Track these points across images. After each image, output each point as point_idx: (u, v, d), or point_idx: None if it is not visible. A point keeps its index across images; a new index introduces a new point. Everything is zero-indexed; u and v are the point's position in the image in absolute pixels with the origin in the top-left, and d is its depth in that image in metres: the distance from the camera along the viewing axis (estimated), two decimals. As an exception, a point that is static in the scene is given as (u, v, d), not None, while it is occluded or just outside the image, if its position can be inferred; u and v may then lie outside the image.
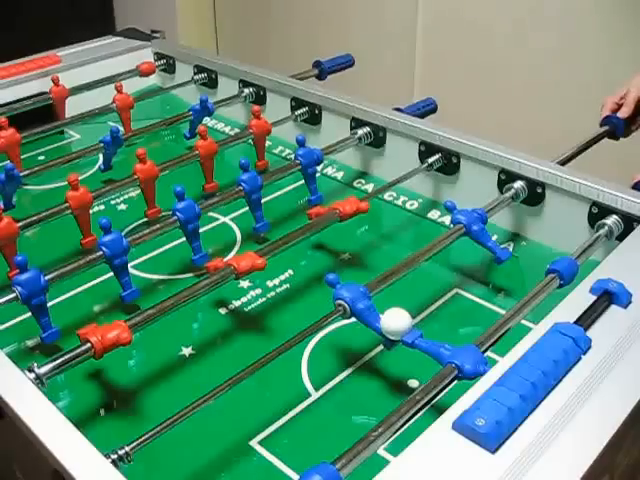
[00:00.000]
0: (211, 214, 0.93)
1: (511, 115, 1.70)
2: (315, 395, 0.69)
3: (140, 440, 0.56)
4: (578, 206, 0.85)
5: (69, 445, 0.50)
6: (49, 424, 0.52)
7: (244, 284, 0.83)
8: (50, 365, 0.61)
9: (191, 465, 0.62)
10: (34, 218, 0.84)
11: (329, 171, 1.09)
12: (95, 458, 0.49)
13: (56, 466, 0.49)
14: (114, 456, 0.53)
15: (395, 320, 0.64)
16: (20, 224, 0.82)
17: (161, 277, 0.86)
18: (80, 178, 0.87)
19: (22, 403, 0.53)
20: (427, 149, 0.97)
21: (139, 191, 0.98)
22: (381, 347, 0.73)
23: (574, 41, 1.59)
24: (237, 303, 0.81)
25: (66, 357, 0.62)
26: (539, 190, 0.87)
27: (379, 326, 0.65)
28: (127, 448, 0.54)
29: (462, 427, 0.50)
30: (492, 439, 0.49)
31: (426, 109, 1.11)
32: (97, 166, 1.10)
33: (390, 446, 0.58)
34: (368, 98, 1.07)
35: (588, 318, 0.61)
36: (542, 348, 0.57)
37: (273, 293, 0.83)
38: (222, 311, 0.80)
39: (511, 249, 0.88)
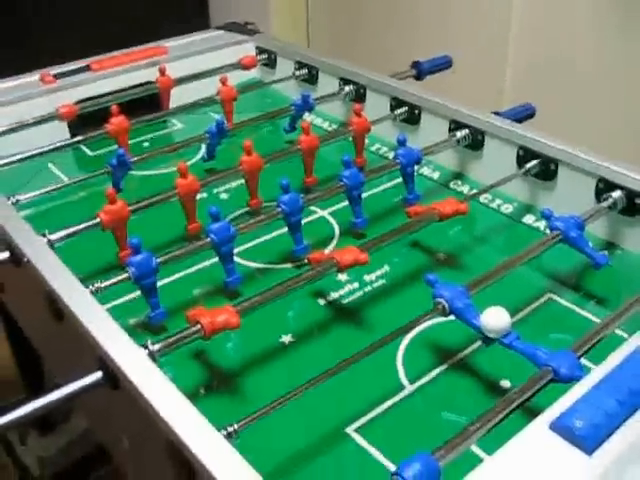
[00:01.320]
0: (310, 208, 0.96)
1: (606, 124, 1.69)
2: (409, 388, 0.71)
3: (247, 419, 0.59)
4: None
5: (187, 419, 0.53)
6: (167, 397, 0.55)
7: (342, 277, 0.86)
8: (163, 343, 0.64)
9: (289, 448, 0.65)
10: (144, 203, 0.88)
11: (425, 171, 1.10)
12: (210, 432, 0.52)
13: (172, 437, 0.52)
14: (224, 432, 0.57)
15: (496, 318, 0.66)
16: (131, 207, 0.86)
17: (260, 266, 0.90)
18: (185, 166, 0.91)
19: (141, 376, 0.57)
20: (526, 154, 0.98)
21: (239, 182, 1.02)
22: (474, 346, 0.75)
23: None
24: (335, 295, 0.84)
25: (178, 336, 0.65)
26: (638, 201, 0.87)
27: (477, 323, 0.67)
28: (236, 426, 0.57)
29: (560, 428, 0.52)
30: (589, 441, 0.51)
31: (524, 114, 1.12)
32: (200, 155, 1.14)
33: (481, 442, 0.59)
34: (458, 98, 1.09)
35: (686, 329, 0.62)
36: (638, 357, 0.58)
37: (370, 288, 0.85)
38: (321, 302, 0.83)
39: (606, 258, 0.89)
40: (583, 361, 0.65)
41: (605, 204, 0.89)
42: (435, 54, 1.32)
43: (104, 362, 0.60)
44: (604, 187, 0.91)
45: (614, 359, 0.58)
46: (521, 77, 1.88)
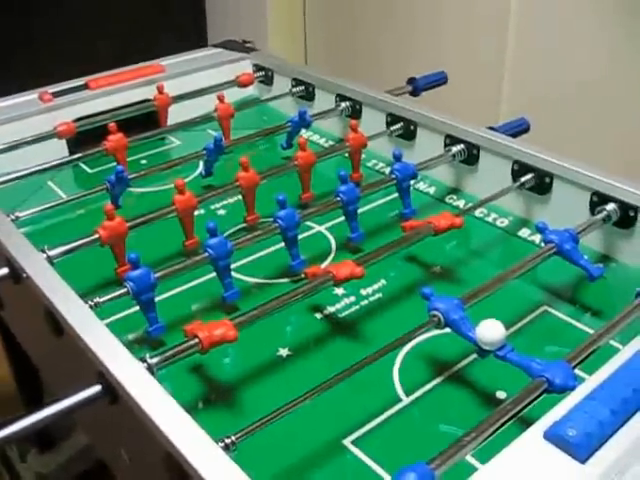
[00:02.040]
0: (307, 223, 0.96)
1: (599, 140, 1.70)
2: (406, 400, 0.72)
3: (245, 431, 0.59)
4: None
5: (184, 431, 0.54)
6: (165, 410, 0.55)
7: (339, 291, 0.87)
8: (161, 356, 0.65)
9: (287, 460, 0.65)
10: (143, 219, 0.88)
11: (421, 186, 1.11)
12: (209, 445, 0.53)
13: (171, 450, 0.53)
14: (221, 444, 0.57)
15: (491, 331, 0.67)
16: (130, 224, 0.87)
17: (258, 281, 0.90)
18: (182, 183, 0.92)
19: (140, 389, 0.57)
20: (520, 168, 0.99)
21: (236, 197, 1.02)
22: (470, 359, 0.76)
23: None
24: (332, 309, 0.85)
25: (176, 350, 0.66)
26: (632, 213, 0.88)
27: (472, 336, 0.68)
28: (233, 437, 0.58)
29: (553, 436, 0.52)
30: (583, 449, 0.51)
31: (519, 128, 1.13)
32: (198, 171, 1.15)
33: (476, 452, 0.60)
34: (453, 114, 1.10)
35: (679, 340, 0.63)
36: (632, 367, 0.59)
37: (366, 301, 0.86)
38: (318, 316, 0.84)
39: (600, 270, 0.90)
40: (577, 371, 0.66)
41: (599, 217, 0.90)
42: (432, 70, 1.33)
43: (103, 376, 0.60)
44: (598, 200, 0.91)
45: (608, 369, 0.59)
46: (517, 92, 1.89)
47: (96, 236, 0.84)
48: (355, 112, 1.23)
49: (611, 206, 0.90)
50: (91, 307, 0.72)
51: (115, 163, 1.08)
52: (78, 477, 1.40)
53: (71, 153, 1.16)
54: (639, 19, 1.60)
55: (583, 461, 0.51)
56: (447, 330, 0.71)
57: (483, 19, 1.90)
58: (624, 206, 0.89)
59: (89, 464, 1.36)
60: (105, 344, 0.63)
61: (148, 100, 1.26)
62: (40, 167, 1.05)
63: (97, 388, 0.61)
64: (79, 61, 1.58)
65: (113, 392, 0.60)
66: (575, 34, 1.71)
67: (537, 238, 0.96)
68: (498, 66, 1.89)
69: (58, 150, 1.15)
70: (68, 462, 1.38)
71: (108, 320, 0.81)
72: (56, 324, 0.68)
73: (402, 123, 1.15)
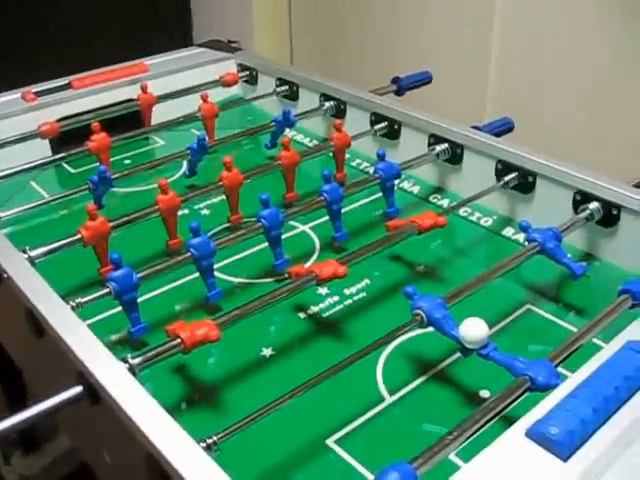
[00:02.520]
0: (291, 222, 0.96)
1: (586, 137, 1.70)
2: (389, 400, 0.71)
3: (227, 431, 0.59)
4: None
5: (165, 431, 0.53)
6: (146, 411, 0.55)
7: (322, 291, 0.87)
8: (143, 357, 0.65)
9: (270, 460, 0.65)
10: (125, 219, 0.88)
11: (405, 185, 1.11)
12: (190, 445, 0.52)
13: (152, 450, 0.52)
14: (203, 444, 0.57)
15: (474, 329, 0.66)
16: (112, 224, 0.86)
17: (241, 280, 0.90)
18: (165, 182, 0.92)
19: (121, 390, 0.57)
20: (504, 167, 0.99)
21: (220, 197, 1.02)
22: (453, 358, 0.76)
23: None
24: (315, 308, 0.84)
25: (158, 350, 0.66)
26: (614, 212, 0.89)
27: (455, 334, 0.68)
28: (215, 438, 0.58)
29: (536, 435, 0.52)
30: (565, 447, 0.51)
31: (503, 128, 1.13)
32: (182, 171, 1.15)
33: (460, 452, 0.60)
34: (438, 113, 1.10)
35: (661, 338, 0.63)
36: (614, 364, 0.59)
37: (350, 301, 0.86)
38: (301, 315, 0.83)
39: (583, 269, 0.90)
40: (560, 370, 0.66)
41: (582, 215, 0.90)
42: (417, 69, 1.33)
43: (83, 376, 0.60)
44: (581, 199, 0.92)
45: (590, 367, 0.59)
46: (502, 91, 1.89)
47: (78, 236, 0.84)
48: (339, 112, 1.23)
49: (594, 205, 0.90)
50: (73, 308, 0.71)
51: (98, 163, 1.08)
52: (64, 478, 1.39)
53: (54, 153, 1.15)
54: (618, 15, 1.60)
55: (565, 459, 0.51)
56: (430, 329, 0.71)
57: (468, 19, 1.90)
58: (607, 205, 0.89)
59: (73, 466, 1.36)
60: (86, 345, 0.62)
61: (132, 100, 1.26)
62: (22, 167, 1.04)
63: (78, 389, 0.60)
64: (63, 61, 1.56)
65: (94, 393, 0.60)
66: (559, 33, 1.71)
67: (521, 237, 0.96)
68: (483, 66, 1.89)
69: (41, 150, 1.14)
70: (52, 464, 1.38)
71: (91, 321, 0.81)
72: (37, 325, 0.68)
73: (386, 122, 1.15)
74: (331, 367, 0.65)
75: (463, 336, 0.67)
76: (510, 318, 0.83)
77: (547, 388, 0.61)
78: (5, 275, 0.73)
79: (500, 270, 0.79)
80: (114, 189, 1.05)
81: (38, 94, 1.23)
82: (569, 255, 0.83)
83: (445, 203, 1.06)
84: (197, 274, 0.83)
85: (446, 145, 1.06)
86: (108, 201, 1.01)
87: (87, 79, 1.27)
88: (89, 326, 0.65)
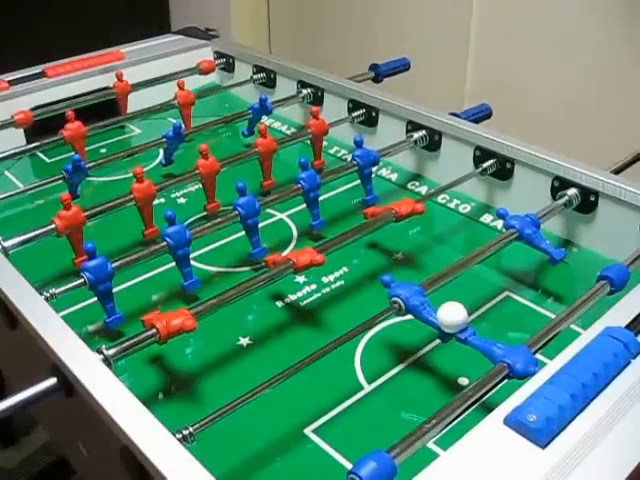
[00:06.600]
0: (268, 210, 0.95)
1: (564, 124, 1.71)
2: (367, 388, 0.71)
3: (203, 422, 0.58)
4: (630, 214, 0.86)
5: (139, 423, 0.53)
6: (121, 402, 0.54)
7: (300, 279, 0.86)
8: (118, 348, 0.64)
9: (247, 450, 0.65)
10: (100, 208, 0.87)
11: (383, 172, 1.11)
12: (165, 436, 0.52)
13: (126, 442, 0.52)
14: (179, 435, 0.56)
15: (452, 313, 0.66)
16: (87, 213, 0.85)
17: (219, 269, 0.89)
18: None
19: (94, 381, 0.56)
20: (482, 154, 0.99)
21: (198, 186, 1.01)
22: (432, 345, 0.75)
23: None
24: (293, 297, 0.84)
25: (133, 341, 0.65)
26: (592, 198, 0.88)
27: (434, 320, 0.67)
28: (191, 429, 0.57)
29: (514, 422, 0.52)
30: (543, 435, 0.51)
31: (481, 114, 1.12)
32: (158, 160, 1.14)
33: (439, 440, 0.60)
34: (418, 100, 1.10)
35: (639, 324, 0.63)
36: (592, 351, 0.59)
37: (328, 289, 0.85)
38: (279, 304, 0.83)
39: (562, 254, 0.90)
40: (538, 356, 0.66)
41: (561, 202, 0.90)
42: (396, 56, 1.33)
43: (57, 368, 0.59)
44: (559, 185, 0.91)
45: (567, 354, 0.59)
46: (481, 78, 1.89)
47: (52, 226, 0.82)
48: (317, 99, 1.22)
49: (572, 191, 0.90)
50: (47, 299, 0.70)
51: (74, 152, 1.06)
52: (43, 471, 1.38)
53: (28, 142, 1.14)
54: (596, 5, 1.60)
55: (543, 446, 0.51)
56: (409, 317, 0.70)
57: (446, 5, 1.89)
58: (585, 191, 0.89)
59: (52, 460, 1.35)
60: (60, 336, 0.61)
61: (107, 88, 1.24)
62: (-4, 157, 1.03)
63: (52, 381, 0.59)
64: (37, 49, 1.55)
65: (68, 385, 0.59)
66: (539, 18, 1.71)
67: (499, 224, 0.95)
68: (462, 52, 1.88)
69: (15, 139, 1.13)
70: (31, 457, 1.37)
71: (66, 312, 0.80)
72: (10, 316, 0.67)
73: (364, 110, 1.14)
74: (309, 356, 0.65)
75: (441, 320, 0.67)
76: (489, 305, 0.82)
77: (525, 375, 0.61)
78: (-23, 266, 0.72)
79: (478, 257, 0.79)
80: (90, 178, 1.04)
81: (11, 83, 1.21)
82: (548, 241, 0.83)
83: (423, 190, 1.06)
84: (173, 264, 0.82)
85: (424, 132, 1.05)
86: (84, 190, 1.00)
87: (61, 67, 1.26)
88: (64, 317, 0.64)
